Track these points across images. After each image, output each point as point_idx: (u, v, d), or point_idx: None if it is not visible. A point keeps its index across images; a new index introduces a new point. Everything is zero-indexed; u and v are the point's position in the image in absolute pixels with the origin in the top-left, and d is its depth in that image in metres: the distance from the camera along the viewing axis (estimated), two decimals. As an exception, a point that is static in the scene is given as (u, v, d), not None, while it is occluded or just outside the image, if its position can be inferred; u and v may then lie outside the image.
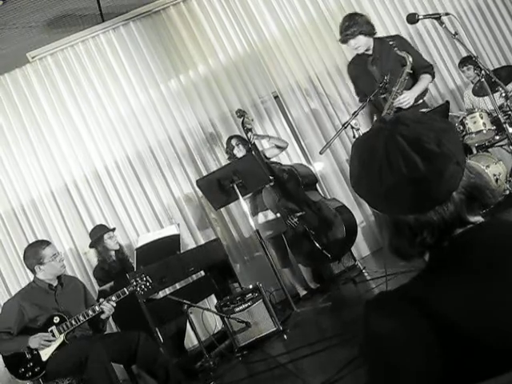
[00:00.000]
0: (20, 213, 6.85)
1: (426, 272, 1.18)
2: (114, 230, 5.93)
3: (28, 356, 4.17)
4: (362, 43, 5.14)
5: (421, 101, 5.16)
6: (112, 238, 5.81)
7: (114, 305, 4.29)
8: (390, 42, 5.01)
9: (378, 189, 1.19)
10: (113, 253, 5.80)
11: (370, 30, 5.16)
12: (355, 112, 4.96)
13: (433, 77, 5.21)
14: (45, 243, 4.41)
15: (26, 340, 4.15)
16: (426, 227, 1.17)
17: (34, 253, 4.35)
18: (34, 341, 4.15)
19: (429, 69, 5.20)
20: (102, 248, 5.76)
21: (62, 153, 6.89)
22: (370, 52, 5.23)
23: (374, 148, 1.19)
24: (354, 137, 4.89)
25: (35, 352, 4.17)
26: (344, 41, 5.20)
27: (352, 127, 4.85)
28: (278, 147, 6.15)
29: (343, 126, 4.95)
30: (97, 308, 4.25)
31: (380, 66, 5.16)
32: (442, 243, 1.17)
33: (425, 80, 5.11)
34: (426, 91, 5.20)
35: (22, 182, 6.85)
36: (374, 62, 5.23)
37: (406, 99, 4.94)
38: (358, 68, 5.40)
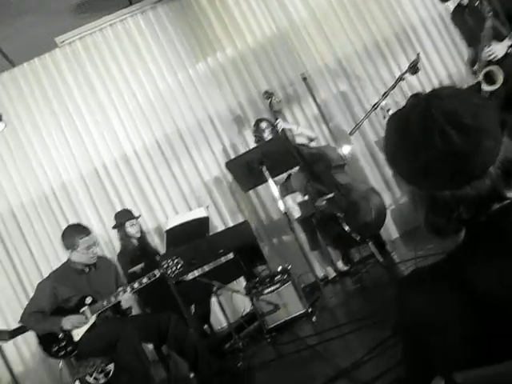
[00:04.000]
0: (51, 197, 6.93)
1: (462, 247, 1.17)
2: (137, 217, 5.96)
3: (61, 336, 4.24)
4: None
5: None
6: (134, 225, 5.82)
7: (130, 295, 4.33)
8: None
9: (413, 164, 1.17)
10: (134, 240, 5.83)
11: None
12: (385, 93, 4.89)
13: None
14: (84, 232, 4.40)
15: (59, 321, 4.22)
16: (462, 202, 1.15)
17: (71, 238, 4.40)
18: (66, 322, 4.21)
19: None
20: (124, 234, 5.81)
21: (91, 137, 6.95)
22: (466, 2, 5.02)
23: (409, 123, 1.18)
24: (385, 118, 4.84)
25: (67, 332, 4.25)
26: None
27: (382, 108, 4.79)
28: (306, 137, 6.08)
29: (373, 106, 4.89)
30: (115, 298, 4.30)
31: (474, 17, 4.99)
32: (478, 219, 1.16)
33: None
34: None
35: (53, 167, 6.93)
36: (469, 12, 5.04)
37: (493, 51, 4.71)
38: (456, 16, 5.24)
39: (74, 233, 4.41)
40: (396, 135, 1.22)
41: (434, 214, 1.21)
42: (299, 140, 6.03)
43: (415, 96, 1.24)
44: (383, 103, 4.79)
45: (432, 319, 1.06)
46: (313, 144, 6.11)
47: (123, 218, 5.83)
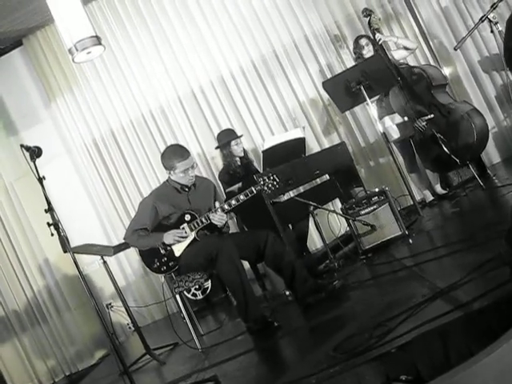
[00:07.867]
0: (149, 119, 7.11)
1: None
2: (241, 137, 6.00)
3: (162, 251, 4.41)
4: None
5: None
6: (238, 144, 5.88)
7: (223, 215, 4.35)
8: None
9: None
10: (237, 159, 5.91)
11: None
12: (494, 4, 4.60)
13: None
14: (183, 156, 4.43)
15: (160, 236, 4.38)
16: None
17: (169, 160, 4.47)
18: (168, 237, 4.36)
19: None
20: (228, 153, 5.88)
21: (187, 59, 7.01)
22: None
23: None
24: (492, 31, 4.56)
25: (169, 248, 4.41)
26: None
27: (490, 21, 4.52)
28: (406, 48, 5.88)
29: (481, 19, 4.61)
30: (207, 217, 4.36)
31: None
32: None
33: None
34: None
35: (150, 89, 7.08)
36: None
37: None
38: None
39: (173, 156, 4.47)
40: None
41: None
42: (399, 55, 5.83)
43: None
44: (491, 15, 4.51)
45: None
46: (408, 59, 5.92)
47: (227, 137, 5.89)
